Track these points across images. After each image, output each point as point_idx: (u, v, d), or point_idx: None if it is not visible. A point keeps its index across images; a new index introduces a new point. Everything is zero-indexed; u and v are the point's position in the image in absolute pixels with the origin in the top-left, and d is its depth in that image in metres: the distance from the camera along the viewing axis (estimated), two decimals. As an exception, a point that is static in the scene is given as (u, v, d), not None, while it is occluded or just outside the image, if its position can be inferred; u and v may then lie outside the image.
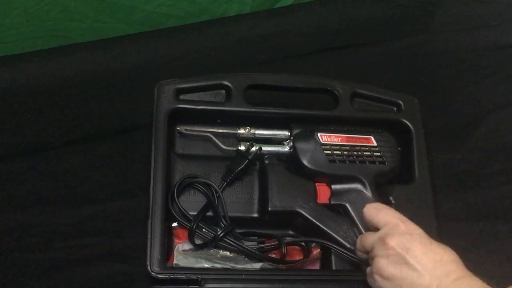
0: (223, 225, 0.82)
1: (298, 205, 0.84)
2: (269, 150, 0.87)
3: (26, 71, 0.97)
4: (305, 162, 0.84)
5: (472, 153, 0.87)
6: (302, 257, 0.85)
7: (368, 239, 0.76)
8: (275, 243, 0.84)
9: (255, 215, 0.86)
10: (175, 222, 0.84)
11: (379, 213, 0.75)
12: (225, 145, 0.89)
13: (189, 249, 0.83)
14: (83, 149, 0.93)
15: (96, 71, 0.99)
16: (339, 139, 0.86)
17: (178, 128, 0.88)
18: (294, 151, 0.85)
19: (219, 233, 0.81)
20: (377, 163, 0.86)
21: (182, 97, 0.88)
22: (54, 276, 0.84)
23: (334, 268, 0.84)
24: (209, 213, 0.84)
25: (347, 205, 0.84)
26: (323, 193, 0.85)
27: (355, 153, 0.86)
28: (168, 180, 0.83)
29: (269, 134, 0.88)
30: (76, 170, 0.91)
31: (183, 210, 0.82)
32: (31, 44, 0.97)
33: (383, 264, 0.71)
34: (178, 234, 0.85)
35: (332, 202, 0.85)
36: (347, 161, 0.85)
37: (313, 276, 0.83)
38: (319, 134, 0.85)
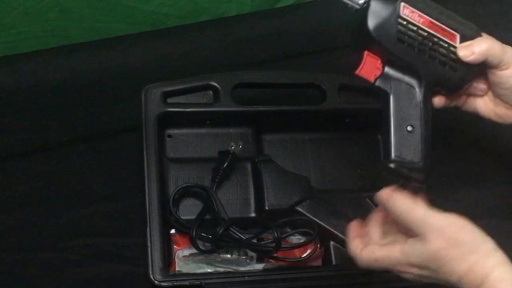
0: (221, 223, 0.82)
1: (295, 202, 0.84)
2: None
3: (26, 71, 0.97)
4: (369, 26, 0.68)
5: (471, 152, 0.87)
6: (303, 255, 0.85)
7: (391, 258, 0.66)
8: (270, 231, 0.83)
9: (253, 215, 0.86)
10: (173, 229, 0.84)
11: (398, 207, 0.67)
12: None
13: (190, 255, 0.83)
14: (83, 149, 0.93)
15: (96, 71, 0.99)
16: (422, 20, 0.69)
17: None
18: (364, 9, 0.69)
19: (218, 229, 0.80)
20: (447, 66, 0.70)
21: (169, 100, 0.87)
22: (54, 276, 0.84)
23: (334, 263, 0.85)
24: (207, 217, 0.84)
25: (391, 95, 0.70)
26: (369, 65, 0.71)
27: (430, 44, 0.70)
28: (162, 186, 0.83)
29: None
30: (75, 170, 0.91)
31: (181, 220, 0.82)
32: (31, 44, 0.97)
33: (420, 276, 0.67)
34: (177, 240, 0.85)
35: (376, 84, 0.70)
36: (416, 48, 0.69)
37: (315, 272, 0.84)
38: (402, 4, 0.68)
